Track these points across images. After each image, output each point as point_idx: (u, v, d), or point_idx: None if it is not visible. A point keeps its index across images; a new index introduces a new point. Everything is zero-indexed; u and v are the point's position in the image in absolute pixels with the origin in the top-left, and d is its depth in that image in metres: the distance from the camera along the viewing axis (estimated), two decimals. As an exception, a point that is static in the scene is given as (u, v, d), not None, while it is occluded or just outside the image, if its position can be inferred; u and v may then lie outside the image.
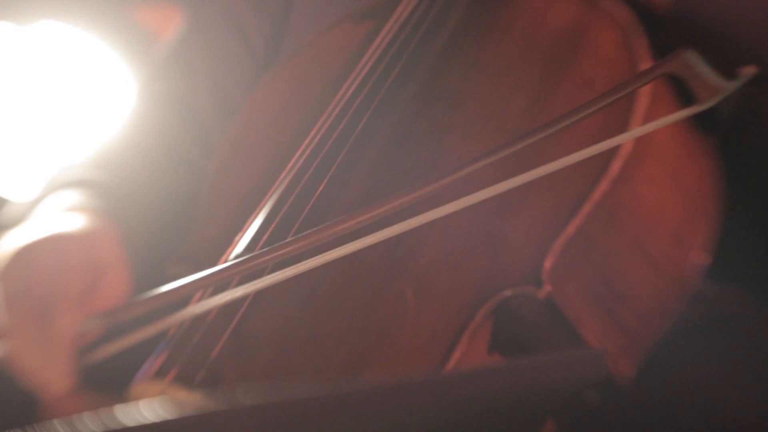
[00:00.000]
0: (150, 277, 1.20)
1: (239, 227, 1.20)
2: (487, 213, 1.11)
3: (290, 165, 1.21)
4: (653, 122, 1.03)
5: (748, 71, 0.92)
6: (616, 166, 1.08)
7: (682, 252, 1.15)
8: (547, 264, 1.06)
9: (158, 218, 1.40)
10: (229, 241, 1.19)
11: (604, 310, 1.10)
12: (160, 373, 1.13)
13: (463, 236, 1.11)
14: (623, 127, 1.09)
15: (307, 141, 1.22)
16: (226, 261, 1.17)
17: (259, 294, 1.14)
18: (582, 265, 1.09)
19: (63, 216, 1.26)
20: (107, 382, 1.14)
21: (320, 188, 1.19)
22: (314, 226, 1.11)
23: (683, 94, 1.14)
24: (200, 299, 1.14)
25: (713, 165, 1.20)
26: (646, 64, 1.13)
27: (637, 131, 1.05)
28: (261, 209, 1.19)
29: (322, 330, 1.12)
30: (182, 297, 1.12)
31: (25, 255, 1.20)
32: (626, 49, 1.14)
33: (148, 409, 0.75)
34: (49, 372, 1.13)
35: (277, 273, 1.08)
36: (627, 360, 1.11)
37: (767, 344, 1.25)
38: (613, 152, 1.09)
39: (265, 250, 1.08)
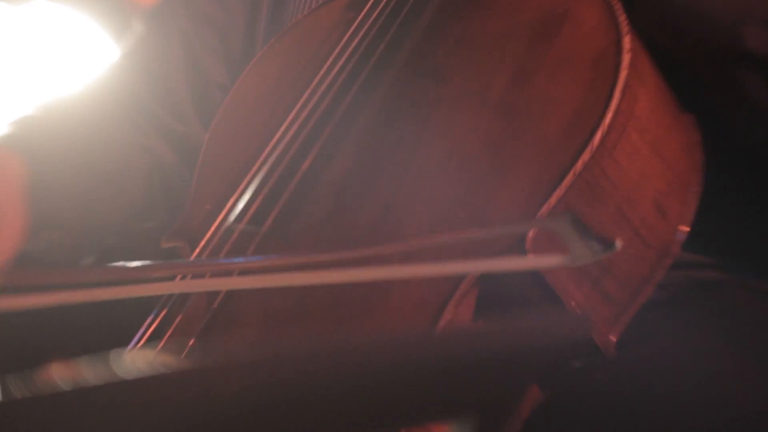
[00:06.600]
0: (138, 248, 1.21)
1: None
2: (472, 184, 1.12)
3: (277, 139, 1.23)
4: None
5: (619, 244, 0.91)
6: (597, 136, 1.10)
7: (664, 222, 1.16)
8: (531, 233, 1.07)
9: (105, 173, 1.41)
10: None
11: (587, 279, 1.12)
12: (150, 343, 1.14)
13: (449, 206, 1.12)
14: (607, 99, 1.11)
15: (293, 116, 1.24)
16: (214, 232, 1.20)
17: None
18: None
19: None
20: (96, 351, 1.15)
21: (306, 162, 1.20)
22: (299, 201, 1.13)
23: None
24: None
25: (694, 138, 1.22)
26: (628, 40, 1.14)
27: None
28: (249, 184, 1.21)
29: (310, 299, 1.13)
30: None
31: None
32: (609, 25, 1.16)
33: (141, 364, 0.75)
34: None
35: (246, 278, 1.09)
36: (610, 328, 1.13)
37: (748, 313, 1.27)
38: (595, 123, 1.10)
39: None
